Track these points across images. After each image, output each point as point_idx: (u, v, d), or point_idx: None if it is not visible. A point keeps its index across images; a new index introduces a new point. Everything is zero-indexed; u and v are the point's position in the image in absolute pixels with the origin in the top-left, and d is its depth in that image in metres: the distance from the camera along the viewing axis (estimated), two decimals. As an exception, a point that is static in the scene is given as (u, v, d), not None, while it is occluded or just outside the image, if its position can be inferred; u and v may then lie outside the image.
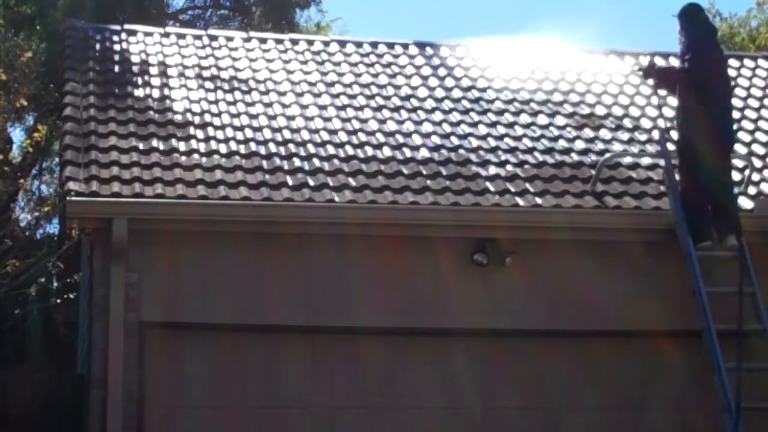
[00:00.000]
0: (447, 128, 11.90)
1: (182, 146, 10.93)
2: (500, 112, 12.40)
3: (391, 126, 11.83)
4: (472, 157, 11.31)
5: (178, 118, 11.50)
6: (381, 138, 11.52)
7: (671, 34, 11.18)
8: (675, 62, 12.89)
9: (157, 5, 23.49)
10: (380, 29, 42.49)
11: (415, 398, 10.48)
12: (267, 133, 11.35)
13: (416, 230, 10.37)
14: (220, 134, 11.24)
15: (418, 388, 10.51)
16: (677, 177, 10.73)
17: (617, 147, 11.89)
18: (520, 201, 10.62)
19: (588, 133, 12.14)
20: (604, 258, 10.72)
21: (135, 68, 12.63)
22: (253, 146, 11.06)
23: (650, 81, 11.88)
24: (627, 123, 12.50)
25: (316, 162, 10.87)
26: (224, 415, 10.12)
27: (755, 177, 11.60)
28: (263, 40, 13.78)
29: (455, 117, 12.19)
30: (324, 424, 10.27)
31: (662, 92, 11.68)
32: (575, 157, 11.57)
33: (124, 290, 9.92)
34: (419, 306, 10.44)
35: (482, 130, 11.95)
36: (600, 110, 12.71)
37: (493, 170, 11.09)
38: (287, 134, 11.38)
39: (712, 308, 10.10)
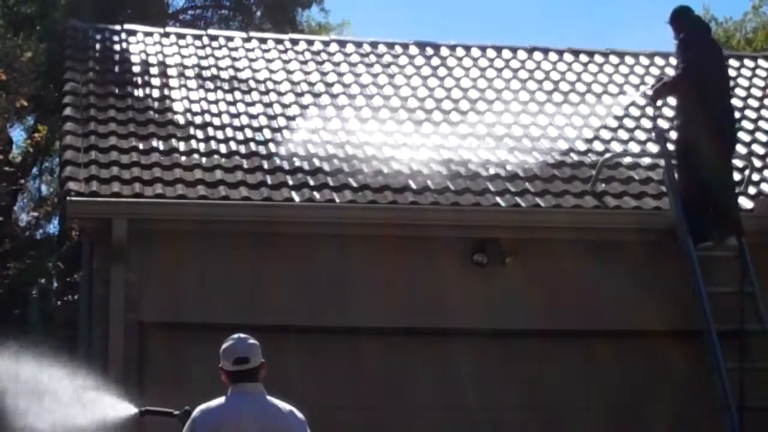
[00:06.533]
0: (447, 128, 11.89)
1: (182, 146, 10.93)
2: (500, 113, 12.40)
3: (391, 126, 11.82)
4: (472, 156, 11.31)
5: (178, 118, 11.49)
6: (381, 138, 11.52)
7: (670, 34, 11.13)
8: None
9: (157, 5, 23.49)
10: (380, 29, 42.53)
11: (415, 398, 10.47)
12: (267, 133, 11.35)
13: (416, 230, 10.37)
14: (220, 134, 11.24)
15: (418, 388, 10.49)
16: (677, 177, 10.73)
17: (617, 147, 11.89)
18: (521, 201, 10.62)
19: (588, 133, 12.14)
20: (604, 258, 10.71)
21: (135, 68, 12.63)
22: (253, 146, 11.06)
23: (659, 102, 11.86)
24: (627, 123, 12.50)
25: (316, 162, 10.87)
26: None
27: (755, 177, 11.59)
28: (263, 40, 13.77)
29: (455, 117, 12.18)
30: (324, 424, 10.24)
31: (663, 101, 11.68)
32: (575, 157, 11.56)
33: (124, 290, 9.91)
34: (419, 306, 10.44)
35: (482, 130, 11.95)
36: (600, 110, 12.71)
37: (493, 170, 11.09)
38: (287, 134, 11.38)
39: (712, 308, 10.11)
